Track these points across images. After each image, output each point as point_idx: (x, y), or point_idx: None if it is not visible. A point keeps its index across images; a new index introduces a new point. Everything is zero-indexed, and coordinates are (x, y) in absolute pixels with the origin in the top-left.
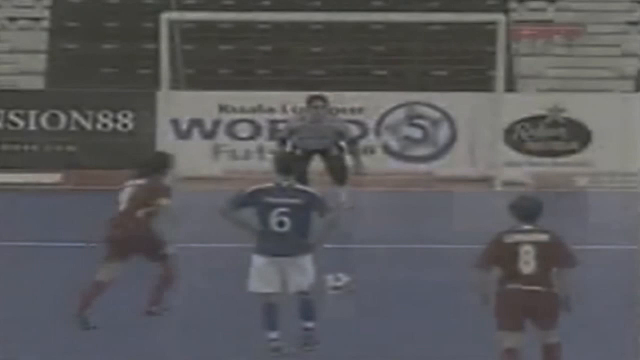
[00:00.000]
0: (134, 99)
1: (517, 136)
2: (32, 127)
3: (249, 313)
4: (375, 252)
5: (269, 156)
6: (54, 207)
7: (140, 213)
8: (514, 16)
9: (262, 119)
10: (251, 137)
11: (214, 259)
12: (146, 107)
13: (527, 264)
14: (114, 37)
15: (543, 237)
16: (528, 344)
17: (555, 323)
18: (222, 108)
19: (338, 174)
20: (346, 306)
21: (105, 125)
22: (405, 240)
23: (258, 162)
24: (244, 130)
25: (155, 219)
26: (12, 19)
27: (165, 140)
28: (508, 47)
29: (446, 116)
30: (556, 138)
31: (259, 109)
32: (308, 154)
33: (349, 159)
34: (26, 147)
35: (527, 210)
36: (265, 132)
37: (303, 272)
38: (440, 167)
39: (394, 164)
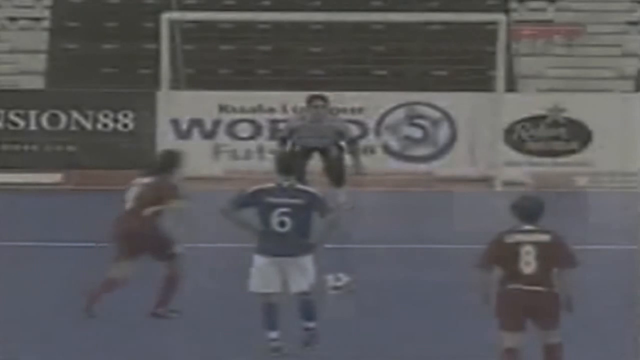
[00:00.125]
0: (134, 99)
1: (517, 136)
2: (32, 127)
3: (249, 313)
4: (375, 252)
5: (270, 156)
6: (54, 207)
7: (146, 212)
8: (514, 16)
9: (262, 118)
10: (251, 137)
11: (214, 258)
12: (146, 107)
13: (528, 264)
14: (114, 37)
15: (544, 238)
16: (529, 344)
17: (556, 323)
18: (223, 108)
19: (336, 175)
20: (346, 306)
21: (105, 125)
22: (405, 240)
23: (258, 162)
24: (244, 130)
25: (162, 217)
26: (12, 19)
27: (166, 140)
28: (508, 47)
29: (446, 116)
30: (556, 138)
31: (259, 109)
32: (307, 152)
33: (348, 159)
34: (26, 147)
35: (528, 210)
36: (265, 132)
37: (304, 272)
38: (440, 167)
39: (394, 164)
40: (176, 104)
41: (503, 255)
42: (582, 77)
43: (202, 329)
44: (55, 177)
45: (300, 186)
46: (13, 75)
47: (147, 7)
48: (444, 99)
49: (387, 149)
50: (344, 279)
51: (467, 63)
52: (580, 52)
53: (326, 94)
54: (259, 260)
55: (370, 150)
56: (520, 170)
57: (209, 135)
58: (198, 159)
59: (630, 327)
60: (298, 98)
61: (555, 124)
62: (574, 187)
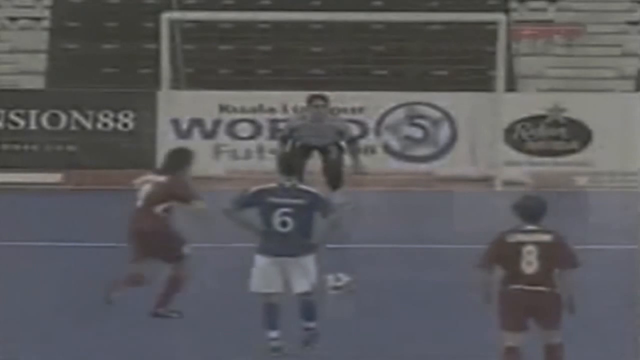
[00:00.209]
0: (135, 98)
1: (517, 136)
2: (32, 126)
3: (250, 312)
4: (375, 252)
5: (270, 156)
6: (54, 207)
7: (157, 209)
8: (515, 16)
9: (262, 118)
10: (252, 137)
11: (214, 258)
12: (147, 107)
13: (530, 264)
14: (115, 37)
15: (546, 238)
16: (530, 344)
17: (558, 323)
18: (223, 108)
19: (332, 178)
20: (346, 306)
21: (105, 125)
22: (405, 240)
23: (259, 162)
24: (244, 130)
25: (173, 216)
26: (12, 19)
27: (166, 140)
28: (508, 47)
29: (446, 116)
30: (556, 138)
31: (259, 108)
32: (307, 150)
33: (347, 159)
34: (27, 147)
35: (530, 210)
36: (265, 132)
37: (305, 272)
38: (441, 167)
39: (394, 164)
40: (176, 104)
41: (504, 255)
42: (582, 77)
43: (202, 329)
44: (56, 177)
45: (302, 186)
46: (13, 75)
47: (147, 7)
48: (444, 99)
49: (387, 149)
50: (344, 279)
51: (467, 63)
52: (581, 52)
53: (326, 93)
54: (261, 260)
55: (371, 150)
56: (520, 170)
57: (209, 135)
58: (198, 158)
59: (630, 327)
60: (298, 98)
61: (555, 123)
62: (574, 187)
